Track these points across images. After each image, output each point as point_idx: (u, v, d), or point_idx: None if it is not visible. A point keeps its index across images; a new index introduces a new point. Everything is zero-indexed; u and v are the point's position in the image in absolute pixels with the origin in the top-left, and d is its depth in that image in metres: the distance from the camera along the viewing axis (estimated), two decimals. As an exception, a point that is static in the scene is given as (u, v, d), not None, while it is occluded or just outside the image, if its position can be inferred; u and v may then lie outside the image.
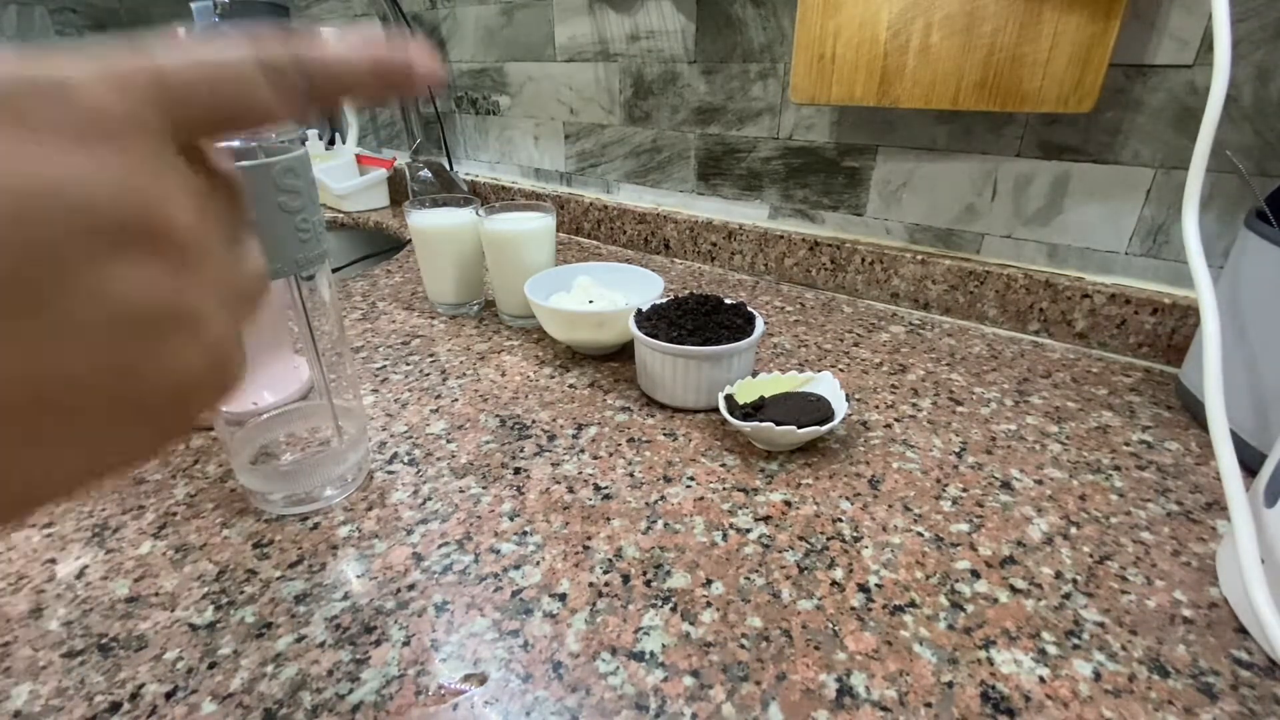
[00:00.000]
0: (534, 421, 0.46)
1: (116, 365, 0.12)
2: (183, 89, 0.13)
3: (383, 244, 1.07)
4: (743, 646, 0.29)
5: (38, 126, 0.11)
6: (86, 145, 0.11)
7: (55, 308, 0.11)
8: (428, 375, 0.53)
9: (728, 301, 0.51)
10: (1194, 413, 0.47)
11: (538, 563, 0.34)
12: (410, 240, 0.80)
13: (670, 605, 0.31)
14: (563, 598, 0.31)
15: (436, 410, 0.48)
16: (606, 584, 0.32)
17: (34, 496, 0.12)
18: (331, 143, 1.24)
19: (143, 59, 0.13)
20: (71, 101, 0.11)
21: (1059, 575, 0.33)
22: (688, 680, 0.27)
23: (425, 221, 0.62)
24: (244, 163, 0.29)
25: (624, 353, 0.57)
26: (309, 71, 0.15)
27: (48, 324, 0.11)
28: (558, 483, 0.40)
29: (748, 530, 0.36)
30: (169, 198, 0.13)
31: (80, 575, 0.33)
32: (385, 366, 0.55)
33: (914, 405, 0.49)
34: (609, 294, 0.58)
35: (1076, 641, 0.29)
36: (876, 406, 0.48)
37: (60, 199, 0.11)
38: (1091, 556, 0.34)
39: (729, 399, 0.44)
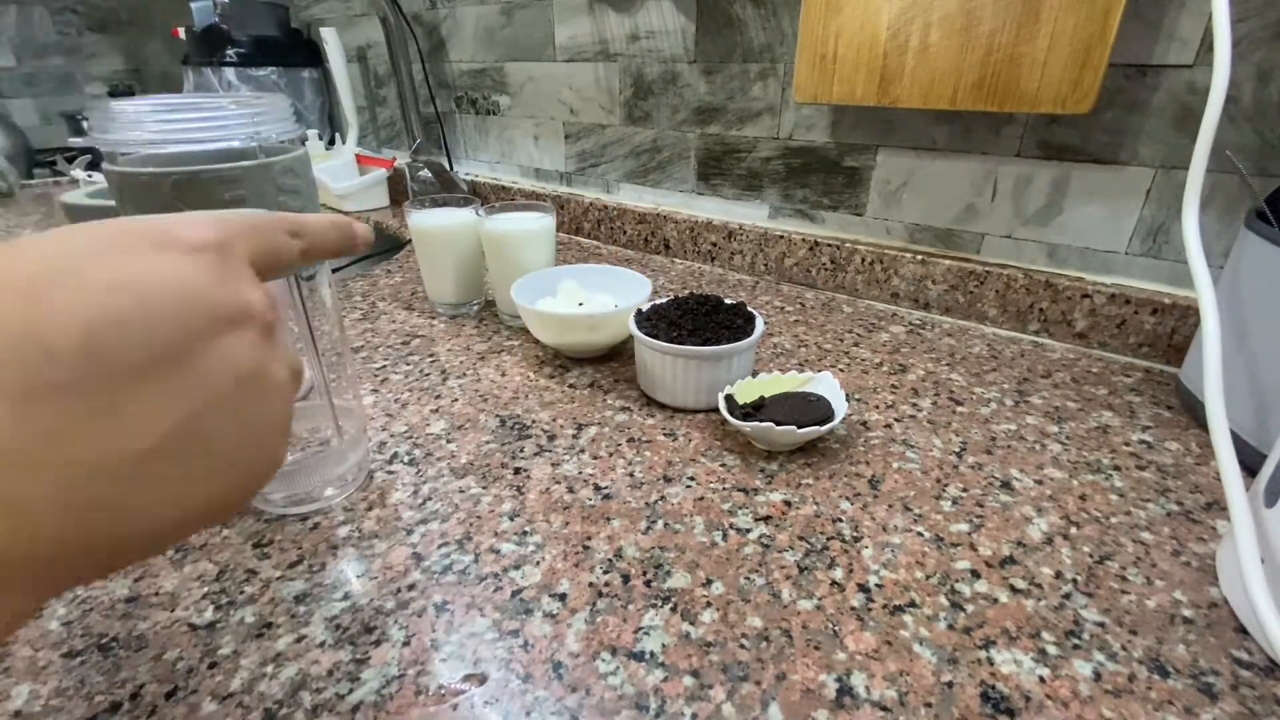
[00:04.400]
0: (534, 421, 0.46)
1: (229, 408, 0.17)
2: (252, 235, 0.20)
3: (383, 244, 1.07)
4: (743, 646, 0.29)
5: (162, 249, 0.17)
6: (195, 257, 0.17)
7: (192, 364, 0.16)
8: (428, 375, 0.53)
9: (728, 301, 0.51)
10: (1194, 413, 0.47)
11: (538, 563, 0.34)
12: (410, 240, 0.80)
13: (670, 605, 0.31)
14: (563, 598, 0.31)
15: (436, 410, 0.48)
16: (606, 584, 0.32)
17: (160, 533, 0.17)
18: (331, 143, 1.24)
19: (230, 218, 0.19)
20: (180, 234, 0.17)
21: (1059, 575, 0.33)
22: (688, 680, 0.27)
23: (425, 221, 0.62)
24: (244, 163, 0.29)
25: (623, 353, 0.57)
26: (311, 239, 0.23)
27: (188, 376, 0.16)
28: (558, 483, 0.40)
29: (748, 530, 0.36)
30: (251, 292, 0.19)
31: (80, 575, 0.33)
32: (385, 366, 0.55)
33: (914, 405, 0.49)
34: (596, 296, 0.58)
35: (1076, 641, 0.29)
36: (876, 406, 0.48)
37: (185, 292, 0.16)
38: (1091, 556, 0.34)
39: (729, 399, 0.44)
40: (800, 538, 0.35)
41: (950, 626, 0.30)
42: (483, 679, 0.27)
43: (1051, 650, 0.29)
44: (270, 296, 0.19)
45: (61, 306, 0.14)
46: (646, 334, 0.47)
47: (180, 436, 0.16)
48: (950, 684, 0.27)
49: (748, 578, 0.33)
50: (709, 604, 0.31)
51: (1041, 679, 0.27)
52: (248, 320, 0.18)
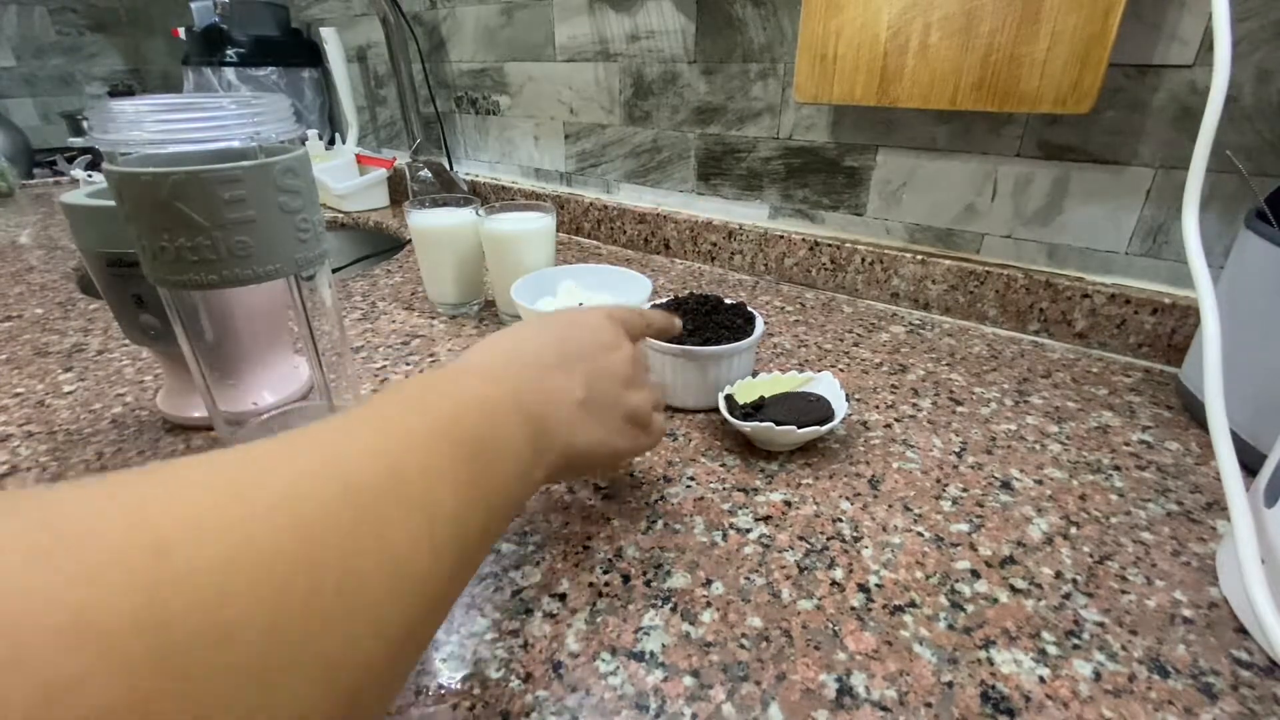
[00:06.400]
0: (534, 421, 0.46)
1: (623, 403, 0.31)
2: (627, 320, 0.35)
3: (383, 244, 1.07)
4: (743, 646, 0.29)
5: (586, 326, 0.32)
6: (600, 325, 0.33)
7: (596, 361, 0.31)
8: (428, 375, 0.53)
9: (728, 301, 0.51)
10: (1194, 413, 0.47)
11: (538, 563, 0.34)
12: (410, 240, 0.80)
13: (670, 605, 0.31)
14: (563, 598, 0.31)
15: (436, 410, 0.48)
16: (606, 584, 0.32)
17: (590, 456, 0.30)
18: (331, 143, 1.24)
19: (621, 312, 0.35)
20: (602, 315, 0.34)
21: (1059, 575, 0.33)
22: (688, 680, 0.27)
23: (425, 221, 0.62)
24: (244, 163, 0.29)
25: (624, 353, 0.57)
26: (654, 324, 0.38)
27: (594, 367, 0.30)
28: (557, 482, 0.40)
29: (748, 530, 0.36)
30: (625, 343, 0.33)
31: (80, 575, 0.33)
32: (385, 366, 0.55)
33: (914, 405, 0.49)
34: (596, 296, 0.58)
35: (1076, 641, 0.29)
36: (876, 406, 0.48)
37: (602, 338, 0.32)
38: (1091, 556, 0.34)
39: (729, 399, 0.44)
40: (800, 538, 0.35)
41: (950, 626, 0.30)
42: (483, 679, 0.27)
43: (1051, 650, 0.29)
44: (636, 350, 0.34)
45: (551, 338, 0.30)
46: (646, 334, 0.47)
47: (591, 396, 0.29)
48: (950, 684, 0.27)
49: (748, 578, 0.33)
50: (709, 604, 0.31)
51: (1041, 679, 0.27)
52: (621, 348, 0.32)
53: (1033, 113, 0.54)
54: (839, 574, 0.33)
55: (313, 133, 1.19)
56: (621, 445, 0.32)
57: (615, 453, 0.31)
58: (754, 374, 0.49)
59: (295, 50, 1.19)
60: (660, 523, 0.36)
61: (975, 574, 0.33)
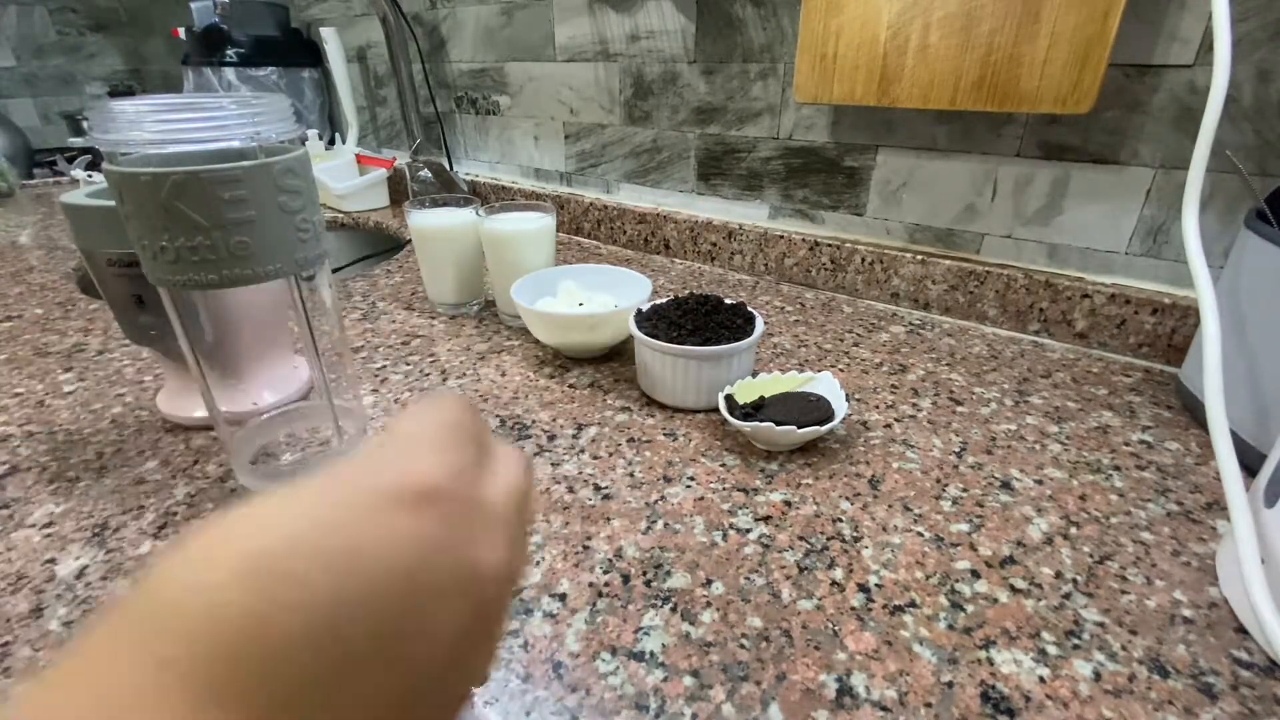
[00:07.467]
0: (534, 421, 0.46)
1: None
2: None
3: (383, 244, 1.07)
4: (743, 646, 0.29)
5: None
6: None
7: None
8: (428, 375, 0.53)
9: (728, 301, 0.51)
10: (1194, 413, 0.47)
11: (538, 563, 0.34)
12: (410, 240, 0.80)
13: (670, 605, 0.31)
14: (563, 598, 0.31)
15: (436, 410, 0.48)
16: (606, 584, 0.32)
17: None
18: (331, 143, 1.24)
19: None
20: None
21: (1059, 575, 0.33)
22: (688, 680, 0.27)
23: (425, 221, 0.62)
24: (244, 163, 0.29)
25: (623, 353, 0.57)
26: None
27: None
28: (558, 483, 0.40)
29: (748, 530, 0.36)
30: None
31: (80, 575, 0.33)
32: (385, 366, 0.55)
33: (914, 405, 0.49)
34: (596, 296, 0.58)
35: (1076, 641, 0.29)
36: (876, 406, 0.48)
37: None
38: (1091, 556, 0.34)
39: (729, 399, 0.44)
40: (800, 538, 0.35)
41: (950, 626, 0.30)
42: (482, 679, 0.27)
43: (1051, 650, 0.29)
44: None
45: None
46: (646, 334, 0.47)
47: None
48: (950, 684, 0.27)
49: (748, 578, 0.33)
50: (709, 604, 0.31)
51: (1041, 679, 0.27)
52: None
53: (1032, 113, 0.54)
54: (839, 574, 0.33)
55: (313, 133, 1.19)
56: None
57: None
58: (754, 374, 0.49)
59: (295, 50, 1.19)
60: (660, 523, 0.36)
61: (975, 574, 0.33)
